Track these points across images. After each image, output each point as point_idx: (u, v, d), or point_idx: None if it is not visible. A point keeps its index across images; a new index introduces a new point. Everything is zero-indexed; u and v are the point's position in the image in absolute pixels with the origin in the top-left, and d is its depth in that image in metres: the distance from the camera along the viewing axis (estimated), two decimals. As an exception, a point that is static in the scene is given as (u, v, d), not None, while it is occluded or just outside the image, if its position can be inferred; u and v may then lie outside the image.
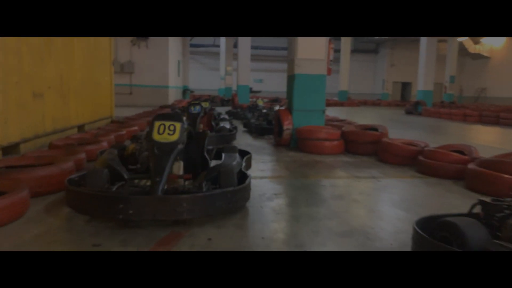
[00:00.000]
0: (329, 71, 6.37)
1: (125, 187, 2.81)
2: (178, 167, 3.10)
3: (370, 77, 36.14)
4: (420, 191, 3.73)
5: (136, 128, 6.95)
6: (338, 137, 5.80)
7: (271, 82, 36.75)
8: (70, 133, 5.78)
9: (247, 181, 2.98)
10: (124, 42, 17.46)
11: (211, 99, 22.56)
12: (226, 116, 10.00)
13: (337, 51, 26.64)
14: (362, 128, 6.21)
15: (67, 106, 5.69)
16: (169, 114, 3.14)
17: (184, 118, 3.13)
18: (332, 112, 12.74)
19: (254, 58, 32.27)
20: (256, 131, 7.88)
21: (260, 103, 12.45)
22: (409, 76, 32.52)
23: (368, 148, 5.61)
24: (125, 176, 2.95)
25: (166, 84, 18.14)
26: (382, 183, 3.98)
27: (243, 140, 7.09)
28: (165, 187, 2.62)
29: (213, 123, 7.34)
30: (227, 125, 7.23)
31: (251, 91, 20.89)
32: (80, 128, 6.41)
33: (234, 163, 3.50)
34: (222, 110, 14.22)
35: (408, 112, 17.53)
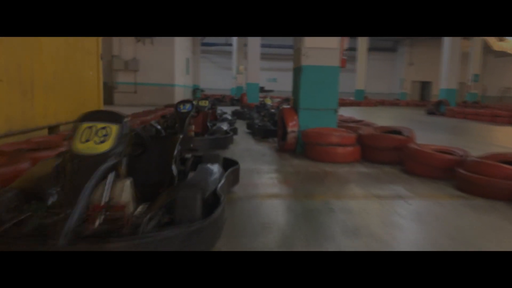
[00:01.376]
0: (344, 62, 5.35)
1: (32, 221, 1.86)
2: (120, 190, 2.13)
3: (387, 76, 34.81)
4: (467, 221, 2.69)
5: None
6: (353, 141, 4.77)
7: (284, 82, 36.08)
8: (35, 135, 4.92)
9: (216, 213, 2.01)
10: (128, 38, 16.71)
11: (221, 98, 21.76)
12: (228, 116, 9.05)
13: (354, 49, 25.50)
14: (383, 131, 5.16)
15: (30, 103, 4.82)
16: (103, 112, 2.20)
17: (127, 119, 2.18)
18: (348, 112, 11.66)
19: (267, 57, 31.56)
20: (259, 133, 6.90)
21: (268, 102, 11.45)
22: (429, 75, 31.19)
23: (391, 156, 4.57)
24: (48, 202, 2.02)
25: (172, 82, 17.30)
26: (412, 207, 2.95)
27: (242, 144, 6.12)
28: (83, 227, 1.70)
29: (208, 124, 6.40)
30: (225, 126, 6.27)
31: (262, 90, 19.96)
32: (53, 129, 5.55)
33: (209, 180, 2.56)
34: (231, 109, 13.30)
35: (430, 113, 16.27)
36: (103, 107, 7.79)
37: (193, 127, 5.68)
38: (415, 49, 32.19)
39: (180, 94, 18.52)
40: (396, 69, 34.01)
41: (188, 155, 3.43)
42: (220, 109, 12.16)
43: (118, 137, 2.06)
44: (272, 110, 10.09)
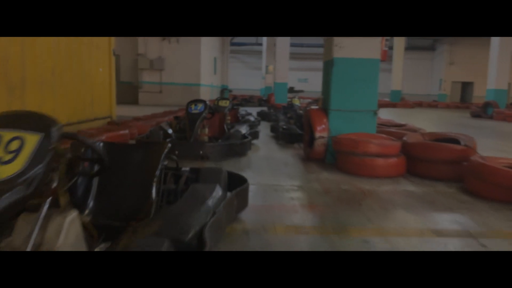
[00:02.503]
0: (384, 55, 4.42)
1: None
2: (56, 231, 1.38)
3: (425, 77, 33.00)
4: None
5: (126, 132, 5.40)
6: (397, 151, 3.86)
7: (316, 82, 34.96)
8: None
9: None
10: (153, 36, 16.30)
11: (248, 99, 21.05)
12: (252, 118, 8.27)
13: (390, 48, 24.13)
14: (434, 138, 4.20)
15: (20, 102, 4.24)
16: (22, 114, 1.47)
17: (58, 126, 1.45)
18: (384, 114, 10.61)
19: (298, 56, 30.68)
20: (283, 138, 6.07)
21: (296, 102, 10.61)
22: (471, 75, 29.24)
23: (446, 171, 3.63)
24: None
25: (198, 82, 16.73)
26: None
27: (263, 150, 5.31)
28: None
29: (226, 127, 5.63)
30: (243, 130, 5.48)
31: (291, 90, 19.09)
32: (51, 131, 4.98)
33: (197, 213, 1.84)
34: (258, 110, 12.53)
35: (475, 115, 14.84)
36: (115, 107, 7.22)
37: (206, 130, 4.93)
38: (456, 47, 30.26)
39: (206, 94, 17.96)
40: (435, 69, 32.16)
41: (186, 168, 2.69)
42: (244, 109, 11.41)
43: (38, 153, 1.31)
44: (300, 111, 9.24)
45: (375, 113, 4.39)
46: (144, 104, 16.06)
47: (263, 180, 3.53)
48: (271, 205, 2.78)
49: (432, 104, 25.02)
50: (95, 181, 2.23)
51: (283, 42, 15.37)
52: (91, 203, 2.17)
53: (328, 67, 4.43)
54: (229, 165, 4.14)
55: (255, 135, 5.92)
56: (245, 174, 3.79)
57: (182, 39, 16.43)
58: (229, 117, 7.45)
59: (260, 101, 20.37)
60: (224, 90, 25.08)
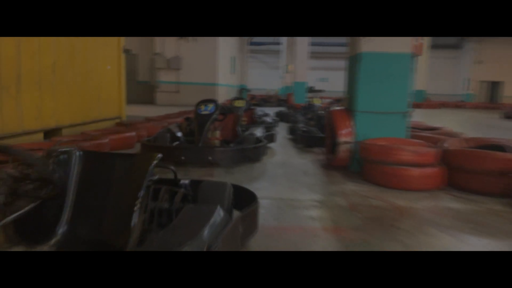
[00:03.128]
0: (420, 49, 3.82)
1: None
2: None
3: (451, 76, 31.80)
4: None
5: (132, 134, 5.03)
6: (435, 160, 3.32)
7: (336, 82, 34.49)
8: (22, 140, 3.99)
9: None
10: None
11: (267, 99, 20.58)
12: (269, 119, 7.79)
13: (414, 45, 23.20)
14: (478, 145, 3.64)
15: (14, 102, 3.89)
16: None
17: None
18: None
19: (318, 55, 30.05)
20: (302, 141, 5.57)
21: (317, 102, 10.08)
22: (500, 74, 27.96)
23: (494, 184, 3.07)
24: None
25: (215, 81, 16.36)
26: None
27: (279, 155, 4.84)
28: None
29: (239, 129, 5.17)
30: (258, 132, 5.01)
31: (311, 90, 18.52)
32: (51, 133, 4.63)
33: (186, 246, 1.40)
34: (277, 110, 12.06)
35: (508, 116, 13.95)
36: (125, 107, 6.87)
37: (218, 133, 4.49)
38: (483, 45, 28.96)
39: (223, 93, 17.59)
40: (461, 68, 30.93)
41: (186, 181, 2.25)
42: (261, 110, 10.95)
43: None
44: (321, 112, 8.72)
45: (407, 115, 3.85)
46: (161, 104, 15.81)
47: (278, 192, 3.05)
48: (286, 227, 2.31)
49: (458, 104, 23.99)
50: (69, 201, 1.82)
51: (303, 41, 14.87)
52: (61, 229, 1.77)
53: (354, 63, 3.92)
54: (241, 173, 3.68)
55: (271, 138, 5.45)
56: (258, 184, 3.34)
57: (200, 38, 16.10)
58: (244, 119, 7.01)
59: (279, 101, 19.88)
60: (242, 90, 24.83)
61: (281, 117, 10.72)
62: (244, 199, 2.20)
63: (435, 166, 3.28)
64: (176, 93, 16.25)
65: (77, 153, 1.86)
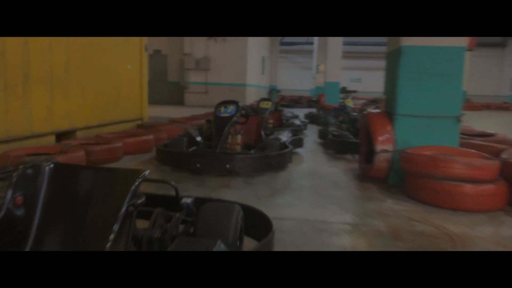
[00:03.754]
0: (472, 43, 3.23)
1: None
2: None
3: (494, 76, 30.02)
4: None
5: (149, 137, 4.71)
6: (494, 174, 2.75)
7: (370, 82, 33.54)
8: (33, 143, 3.74)
9: None
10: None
11: (297, 100, 20.04)
12: (297, 121, 7.31)
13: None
14: (547, 155, 3.02)
15: (21, 103, 3.64)
16: None
17: None
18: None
19: (351, 55, 29.21)
20: (333, 147, 5.06)
21: (350, 103, 9.48)
22: (550, 74, 26.10)
23: None
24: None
25: (244, 82, 16.01)
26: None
27: (307, 162, 4.37)
28: None
29: (262, 133, 4.73)
30: (284, 137, 4.56)
31: (344, 90, 17.81)
32: (65, 135, 4.38)
33: None
34: (307, 111, 11.55)
35: (562, 120, 12.74)
36: (147, 108, 6.59)
37: (239, 137, 4.07)
38: (531, 43, 27.18)
39: (253, 94, 17.23)
40: (505, 67, 29.13)
41: (188, 200, 1.85)
42: (291, 111, 10.47)
43: None
44: (354, 114, 8.15)
45: (458, 120, 3.28)
46: (190, 105, 15.64)
47: (303, 211, 2.59)
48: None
49: (502, 106, 22.45)
50: (35, 222, 1.46)
51: (336, 40, 14.27)
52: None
53: (394, 58, 3.39)
54: (262, 184, 3.25)
55: (298, 142, 4.98)
56: (280, 199, 2.90)
57: (229, 37, 15.82)
58: (271, 121, 6.57)
59: (309, 102, 19.30)
60: (272, 90, 24.40)
61: (311, 119, 10.21)
62: (256, 224, 1.77)
63: (495, 182, 2.71)
64: (205, 94, 16.03)
65: (47, 167, 1.50)
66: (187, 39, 15.86)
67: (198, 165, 3.45)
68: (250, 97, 15.83)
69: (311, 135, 6.99)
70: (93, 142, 4.15)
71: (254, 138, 4.82)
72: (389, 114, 3.43)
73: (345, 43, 14.52)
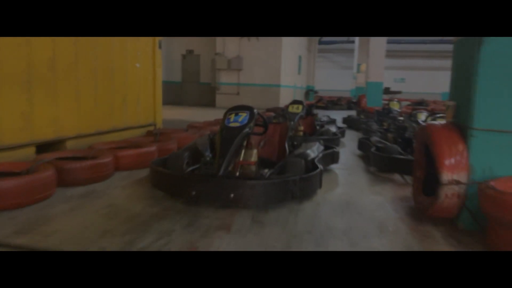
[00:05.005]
0: None
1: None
2: None
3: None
4: None
5: (151, 149, 3.92)
6: None
7: (414, 82, 31.71)
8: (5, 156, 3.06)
9: None
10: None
11: (336, 101, 18.84)
12: (333, 128, 6.30)
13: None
14: None
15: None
16: None
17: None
18: None
19: (394, 54, 27.49)
20: (377, 163, 4.04)
21: (395, 107, 8.34)
22: None
23: None
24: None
25: (277, 82, 15.08)
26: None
27: (342, 186, 3.39)
28: None
29: (286, 146, 3.79)
30: (314, 150, 3.60)
31: (387, 91, 16.46)
32: (52, 146, 3.69)
33: None
34: (346, 114, 10.50)
35: None
36: (161, 111, 5.85)
37: (254, 153, 3.16)
38: None
39: (288, 96, 16.26)
40: None
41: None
42: (327, 115, 9.44)
43: None
44: (400, 118, 7.03)
45: None
46: (221, 106, 14.94)
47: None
48: None
49: None
50: None
51: (379, 38, 12.99)
52: None
53: (469, 49, 2.36)
54: (275, 225, 2.34)
55: (332, 157, 4.00)
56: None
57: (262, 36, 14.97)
58: (301, 127, 5.63)
59: (349, 104, 18.06)
60: (309, 91, 23.29)
61: (349, 123, 9.13)
62: None
63: None
64: (236, 95, 15.26)
65: None
66: (219, 38, 15.17)
67: (194, 193, 2.59)
68: (285, 99, 14.86)
69: (349, 144, 5.98)
70: (77, 156, 3.42)
71: (277, 152, 3.91)
72: (461, 127, 2.40)
73: (388, 41, 13.25)
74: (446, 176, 2.26)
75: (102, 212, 2.48)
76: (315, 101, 19.53)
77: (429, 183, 2.61)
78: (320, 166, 3.12)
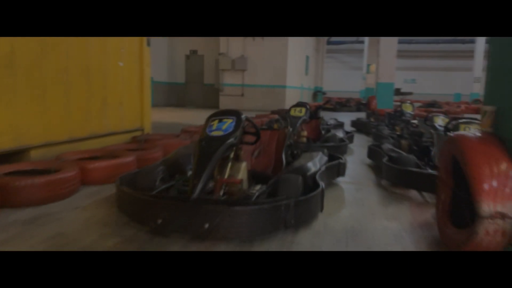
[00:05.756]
0: None
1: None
2: None
3: None
4: None
5: (127, 159, 3.40)
6: None
7: (425, 83, 30.97)
8: None
9: None
10: (236, 33, 14.54)
11: (344, 102, 18.20)
12: (340, 133, 5.72)
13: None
14: None
15: None
16: None
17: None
18: None
19: (404, 54, 26.74)
20: (390, 175, 3.45)
21: (408, 109, 7.72)
22: None
23: None
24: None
25: (283, 83, 14.51)
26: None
27: (348, 206, 2.82)
28: None
29: (283, 157, 3.21)
30: (315, 164, 3.02)
31: (397, 92, 15.75)
32: (13, 156, 3.19)
33: None
34: (355, 117, 9.90)
35: None
36: (149, 115, 5.34)
37: (242, 167, 2.61)
38: None
39: (294, 97, 15.68)
40: None
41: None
42: (334, 117, 8.85)
43: None
44: (413, 122, 6.44)
45: None
46: (225, 108, 14.42)
47: None
48: None
49: None
50: None
51: (390, 37, 12.34)
52: None
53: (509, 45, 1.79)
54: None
55: (338, 170, 3.43)
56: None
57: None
58: (304, 133, 5.07)
59: (358, 105, 17.41)
60: (317, 92, 22.68)
61: (358, 126, 8.54)
62: None
63: None
64: (241, 97, 14.75)
65: None
66: (223, 37, 14.67)
67: (159, 221, 2.05)
68: (291, 100, 14.27)
69: (358, 151, 5.40)
70: (37, 169, 2.91)
71: (273, 163, 3.35)
72: (504, 140, 1.83)
73: (399, 41, 12.59)
74: (486, 206, 1.69)
75: (41, 245, 1.95)
76: (323, 103, 18.92)
77: (456, 207, 2.05)
78: (322, 184, 2.56)
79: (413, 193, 3.16)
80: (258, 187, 2.83)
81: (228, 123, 2.54)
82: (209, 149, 2.33)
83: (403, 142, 4.41)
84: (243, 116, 2.61)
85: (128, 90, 4.75)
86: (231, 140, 2.42)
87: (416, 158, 3.67)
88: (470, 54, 25.33)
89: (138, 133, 4.99)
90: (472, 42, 24.88)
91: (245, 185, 2.67)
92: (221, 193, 2.40)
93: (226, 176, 2.50)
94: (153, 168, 2.70)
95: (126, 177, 2.69)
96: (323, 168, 3.03)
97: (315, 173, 2.79)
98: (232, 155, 2.60)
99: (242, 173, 2.61)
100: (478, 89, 24.10)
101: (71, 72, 3.78)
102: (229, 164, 2.56)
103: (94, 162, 3.17)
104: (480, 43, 23.68)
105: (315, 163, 3.01)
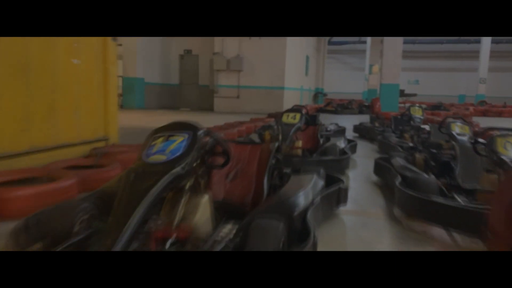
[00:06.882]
0: None
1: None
2: None
3: None
4: None
5: (63, 184, 2.62)
6: None
7: (429, 84, 30.26)
8: None
9: None
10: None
11: (346, 104, 17.39)
12: (341, 142, 4.92)
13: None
14: None
15: None
16: None
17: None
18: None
19: (408, 55, 25.93)
20: (404, 204, 2.64)
21: (417, 113, 6.88)
22: None
23: None
24: None
25: (282, 85, 13.72)
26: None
27: (352, 243, 2.03)
28: None
29: (265, 184, 2.42)
30: (306, 195, 2.22)
31: (401, 94, 14.98)
32: None
33: None
34: (358, 120, 9.13)
35: None
36: (115, 121, 4.55)
37: (202, 203, 1.82)
38: None
39: (293, 99, 14.91)
40: None
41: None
42: (335, 122, 8.05)
43: None
44: (424, 127, 5.68)
45: None
46: (220, 111, 13.66)
47: None
48: None
49: None
50: None
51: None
52: None
53: None
54: None
55: (338, 197, 2.63)
56: None
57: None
58: (299, 143, 4.28)
59: (360, 107, 16.62)
60: (317, 94, 21.90)
61: (361, 132, 7.76)
62: None
63: None
64: (236, 99, 13.96)
65: None
66: (216, 37, 13.89)
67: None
68: (290, 102, 13.48)
69: (362, 163, 4.61)
70: None
71: (253, 190, 2.55)
72: None
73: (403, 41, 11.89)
74: None
75: None
76: (324, 105, 18.14)
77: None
78: (314, 231, 1.77)
79: (438, 230, 2.36)
80: (228, 227, 2.06)
81: (178, 142, 1.75)
82: (140, 185, 1.54)
83: (418, 156, 3.60)
84: (200, 132, 1.81)
85: (86, 92, 3.96)
86: (177, 169, 1.63)
87: (437, 178, 2.87)
88: (475, 55, 24.60)
89: (101, 144, 4.21)
90: (477, 42, 24.16)
91: (207, 226, 1.89)
92: (169, 243, 1.62)
93: (178, 217, 1.72)
94: (74, 205, 1.91)
95: (39, 216, 1.90)
96: (317, 199, 2.24)
97: (305, 210, 2.01)
98: (188, 185, 1.83)
99: (201, 212, 1.83)
100: (484, 90, 23.34)
101: (4, 71, 3.00)
102: (183, 200, 1.78)
103: (13, 190, 2.39)
104: (486, 43, 22.96)
105: (307, 193, 2.21)
